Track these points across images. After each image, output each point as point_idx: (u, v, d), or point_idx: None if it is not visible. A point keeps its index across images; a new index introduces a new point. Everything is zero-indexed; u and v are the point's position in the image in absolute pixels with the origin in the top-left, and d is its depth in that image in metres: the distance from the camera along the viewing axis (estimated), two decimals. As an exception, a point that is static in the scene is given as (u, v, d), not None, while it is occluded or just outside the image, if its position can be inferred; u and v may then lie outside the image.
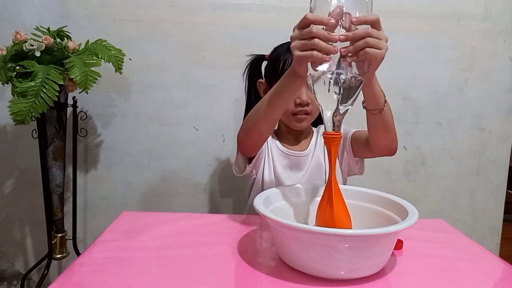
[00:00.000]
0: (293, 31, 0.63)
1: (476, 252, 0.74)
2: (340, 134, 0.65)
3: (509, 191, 1.57)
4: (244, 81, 1.08)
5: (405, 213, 0.64)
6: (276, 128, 1.08)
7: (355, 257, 0.57)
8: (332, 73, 0.61)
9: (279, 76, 0.90)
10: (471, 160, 1.50)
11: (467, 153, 1.49)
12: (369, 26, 0.61)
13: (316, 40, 0.59)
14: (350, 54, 0.61)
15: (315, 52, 0.59)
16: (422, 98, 1.45)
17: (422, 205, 1.49)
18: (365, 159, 1.03)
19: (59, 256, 1.28)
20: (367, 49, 0.60)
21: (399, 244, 0.71)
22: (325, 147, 1.00)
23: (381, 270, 0.62)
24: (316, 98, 0.64)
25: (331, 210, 0.65)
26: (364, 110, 0.80)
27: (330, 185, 0.66)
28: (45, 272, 1.27)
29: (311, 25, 0.59)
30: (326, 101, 0.63)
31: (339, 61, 0.62)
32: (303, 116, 0.96)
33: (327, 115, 0.64)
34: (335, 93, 0.62)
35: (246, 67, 1.07)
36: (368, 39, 0.59)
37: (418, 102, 1.45)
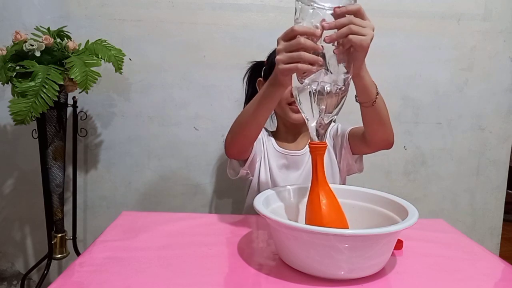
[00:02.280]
0: (278, 43, 0.63)
1: (476, 252, 0.74)
2: (325, 144, 0.66)
3: (509, 191, 1.57)
4: (244, 86, 1.09)
5: (405, 213, 0.64)
6: (274, 129, 1.09)
7: (355, 257, 0.57)
8: (317, 84, 0.62)
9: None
10: (471, 160, 1.50)
11: (467, 153, 1.49)
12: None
13: (302, 52, 0.60)
14: (335, 44, 0.61)
15: (299, 65, 0.60)
16: (422, 98, 1.45)
17: (422, 205, 1.49)
18: (365, 158, 1.03)
19: (59, 256, 1.28)
20: (350, 36, 0.60)
21: (399, 244, 0.71)
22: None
23: (381, 270, 0.62)
24: (300, 109, 0.66)
25: (320, 217, 0.65)
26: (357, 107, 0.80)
27: (316, 192, 0.66)
28: (45, 272, 1.27)
29: (298, 36, 0.60)
30: (311, 111, 0.64)
31: (324, 72, 0.63)
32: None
33: (312, 125, 0.65)
34: (320, 103, 0.63)
35: (247, 72, 1.09)
36: (351, 26, 0.60)
37: (418, 102, 1.45)
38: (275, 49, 0.99)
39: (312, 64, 0.60)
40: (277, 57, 0.63)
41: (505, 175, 1.52)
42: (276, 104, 0.78)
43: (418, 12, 1.40)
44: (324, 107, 0.64)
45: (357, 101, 0.79)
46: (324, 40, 0.61)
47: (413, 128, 1.46)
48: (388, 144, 0.89)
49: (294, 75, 0.64)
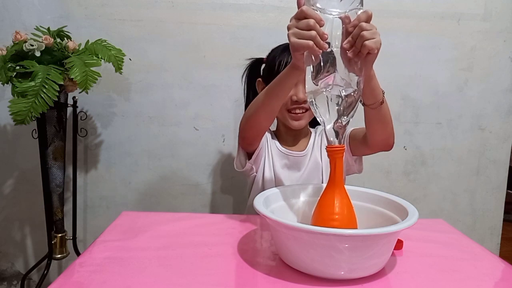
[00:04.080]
0: (290, 21, 0.65)
1: (476, 252, 0.74)
2: (343, 147, 0.66)
3: (509, 191, 1.57)
4: (243, 84, 1.09)
5: (405, 213, 0.64)
6: (275, 129, 1.09)
7: (355, 257, 0.57)
8: (331, 87, 0.63)
9: (275, 76, 0.90)
10: (471, 160, 1.50)
11: (467, 153, 1.49)
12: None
13: (313, 32, 0.60)
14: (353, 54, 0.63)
15: (311, 43, 0.61)
16: (422, 98, 1.45)
17: (422, 205, 1.49)
18: (365, 158, 1.03)
19: (59, 256, 1.28)
20: (365, 42, 0.62)
21: (399, 244, 0.71)
22: (324, 152, 1.01)
23: (381, 270, 0.62)
24: (317, 112, 0.66)
25: (332, 219, 0.65)
26: (360, 108, 0.80)
27: (331, 194, 0.66)
28: (45, 272, 1.27)
29: (309, 18, 0.61)
30: (328, 114, 0.65)
31: (336, 75, 0.64)
32: (299, 114, 0.97)
33: (328, 128, 0.65)
34: (337, 106, 0.64)
35: (245, 70, 1.09)
36: (363, 33, 0.61)
37: (418, 102, 1.45)
38: (275, 47, 1.00)
39: (318, 48, 0.61)
40: (289, 31, 0.64)
41: (505, 175, 1.52)
42: (290, 89, 0.78)
43: (418, 12, 1.40)
44: (342, 109, 0.64)
45: (363, 104, 0.79)
46: (348, 54, 0.63)
47: (413, 128, 1.46)
48: (388, 146, 0.89)
49: (309, 79, 0.64)
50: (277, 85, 0.77)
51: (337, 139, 0.66)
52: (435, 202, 1.51)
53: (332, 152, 0.66)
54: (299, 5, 0.64)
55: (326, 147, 0.67)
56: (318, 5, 0.62)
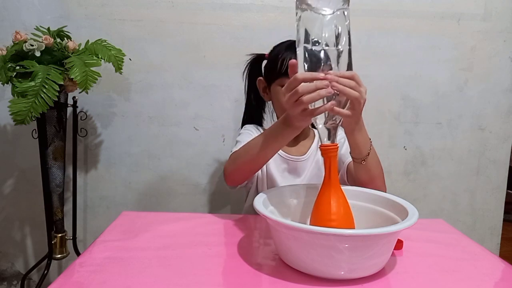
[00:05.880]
0: (284, 95, 0.64)
1: (476, 252, 0.74)
2: (337, 145, 0.66)
3: (509, 191, 1.57)
4: (244, 80, 1.08)
5: (405, 213, 0.63)
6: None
7: (355, 257, 0.57)
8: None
9: (278, 75, 0.88)
10: (471, 160, 1.50)
11: (467, 153, 1.49)
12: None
13: (306, 97, 0.60)
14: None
15: (322, 108, 0.61)
16: (422, 98, 1.45)
17: (422, 205, 1.49)
18: None
19: (59, 256, 1.28)
20: (348, 89, 0.62)
21: (399, 244, 0.71)
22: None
23: (381, 270, 0.62)
24: None
25: (329, 219, 0.64)
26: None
27: (327, 194, 0.66)
28: (45, 272, 1.27)
29: (299, 84, 0.60)
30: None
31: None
32: None
33: (320, 127, 0.66)
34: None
35: (246, 66, 1.07)
36: (349, 81, 0.62)
37: (418, 102, 1.45)
38: (278, 44, 0.98)
39: (321, 96, 0.61)
40: (292, 112, 0.64)
41: (505, 175, 1.52)
42: (285, 144, 0.76)
43: (418, 12, 1.40)
44: None
45: (350, 153, 0.79)
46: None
47: (413, 128, 1.46)
48: None
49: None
50: (272, 142, 0.74)
51: (329, 138, 0.65)
52: (435, 202, 1.51)
53: (326, 151, 0.66)
54: (291, 73, 0.63)
55: (320, 146, 0.66)
56: (310, 2, 0.62)
